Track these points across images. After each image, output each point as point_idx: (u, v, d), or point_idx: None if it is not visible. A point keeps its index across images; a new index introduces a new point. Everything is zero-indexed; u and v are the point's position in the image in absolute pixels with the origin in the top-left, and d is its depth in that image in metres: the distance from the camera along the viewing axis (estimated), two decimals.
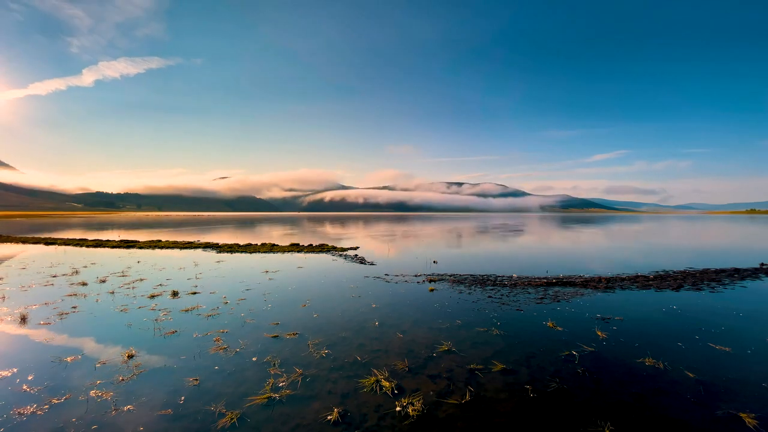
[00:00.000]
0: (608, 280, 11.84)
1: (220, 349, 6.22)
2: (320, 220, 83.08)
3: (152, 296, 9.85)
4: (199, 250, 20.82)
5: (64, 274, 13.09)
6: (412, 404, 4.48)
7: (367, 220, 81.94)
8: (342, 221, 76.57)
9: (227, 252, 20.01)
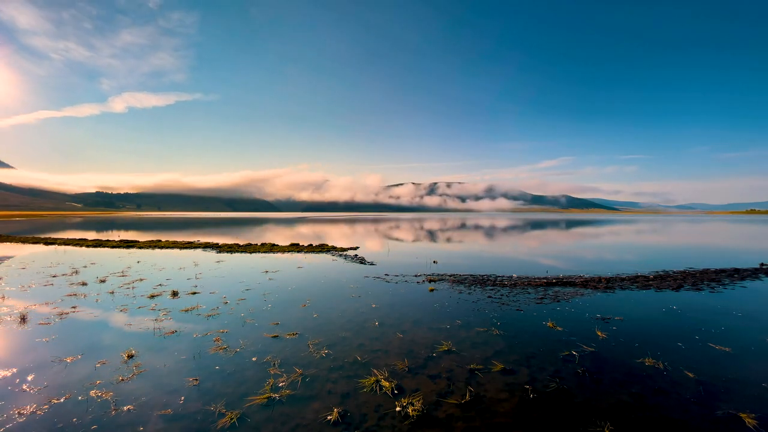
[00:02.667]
0: (608, 280, 11.84)
1: (220, 349, 6.23)
2: (320, 221, 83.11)
3: (152, 296, 9.85)
4: (199, 250, 20.82)
5: (64, 274, 13.09)
6: (412, 404, 4.48)
7: (367, 221, 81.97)
8: (342, 222, 76.59)
9: (227, 252, 20.01)
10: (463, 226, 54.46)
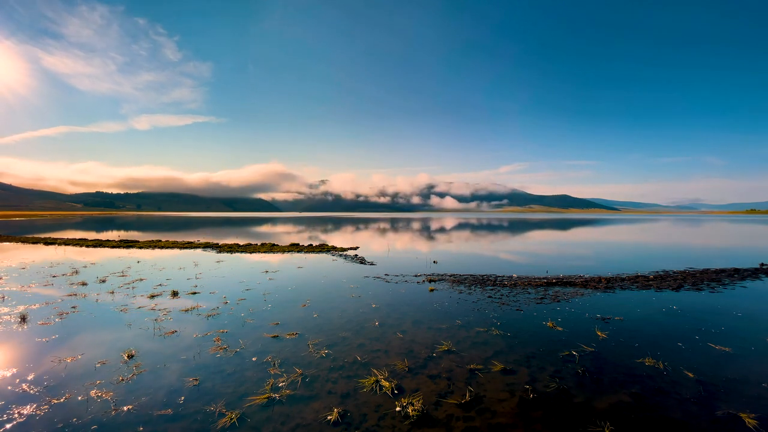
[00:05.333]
0: (608, 280, 11.84)
1: (220, 349, 6.22)
2: (320, 221, 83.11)
3: (152, 296, 9.85)
4: (199, 250, 20.82)
5: (64, 274, 13.09)
6: (412, 404, 4.48)
7: (366, 221, 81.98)
8: (342, 222, 76.59)
9: (227, 252, 20.01)
10: (461, 226, 54.48)
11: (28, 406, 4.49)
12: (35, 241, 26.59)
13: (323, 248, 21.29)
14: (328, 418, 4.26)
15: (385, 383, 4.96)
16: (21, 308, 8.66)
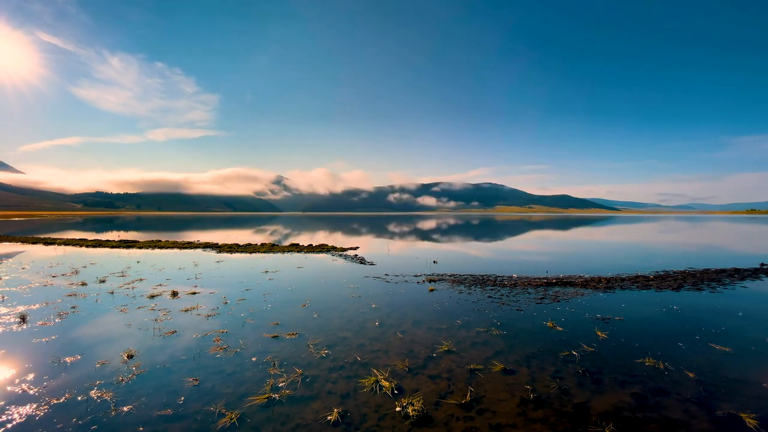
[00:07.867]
0: (608, 280, 11.83)
1: (220, 349, 6.22)
2: (320, 221, 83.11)
3: (152, 296, 9.84)
4: (199, 250, 20.81)
5: (64, 274, 13.08)
6: (412, 404, 4.48)
7: (366, 221, 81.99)
8: (342, 222, 76.60)
9: (227, 252, 20.01)
10: (460, 226, 54.50)
11: (28, 406, 4.48)
12: (35, 241, 26.58)
13: (323, 248, 21.28)
14: (328, 418, 4.26)
15: (385, 383, 4.96)
16: (21, 308, 8.66)
